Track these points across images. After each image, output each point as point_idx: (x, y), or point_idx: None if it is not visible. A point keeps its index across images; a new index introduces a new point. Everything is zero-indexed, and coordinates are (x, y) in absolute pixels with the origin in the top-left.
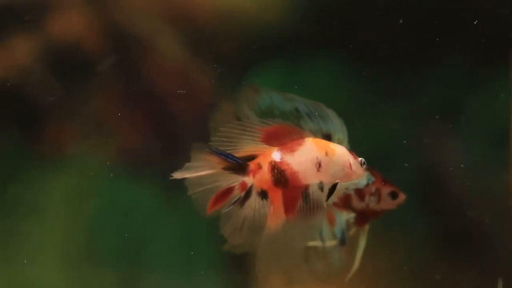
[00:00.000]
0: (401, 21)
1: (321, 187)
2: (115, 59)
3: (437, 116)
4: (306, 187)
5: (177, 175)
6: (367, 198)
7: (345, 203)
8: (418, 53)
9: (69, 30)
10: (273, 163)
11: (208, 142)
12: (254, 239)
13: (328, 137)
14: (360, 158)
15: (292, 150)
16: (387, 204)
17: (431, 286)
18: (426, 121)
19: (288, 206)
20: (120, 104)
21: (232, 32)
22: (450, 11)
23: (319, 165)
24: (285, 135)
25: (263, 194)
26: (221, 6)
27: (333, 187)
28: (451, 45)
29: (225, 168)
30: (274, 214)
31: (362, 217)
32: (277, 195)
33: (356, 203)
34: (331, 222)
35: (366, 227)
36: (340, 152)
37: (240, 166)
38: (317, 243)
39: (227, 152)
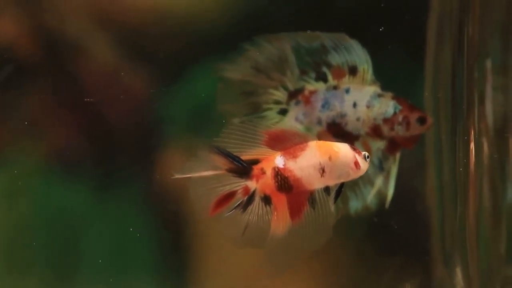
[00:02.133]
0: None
1: (327, 190)
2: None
3: None
4: (312, 192)
5: (179, 174)
6: (396, 127)
7: (375, 132)
8: None
9: (1, 34)
10: (276, 169)
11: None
12: (257, 244)
13: (354, 69)
14: (363, 153)
15: (295, 156)
16: (416, 129)
17: None
18: None
19: (294, 211)
20: (52, 106)
21: (166, 32)
22: None
23: (322, 171)
24: (288, 139)
25: (267, 200)
26: (153, 6)
27: (340, 189)
28: None
29: (229, 170)
30: (279, 219)
31: (393, 145)
32: (281, 200)
33: (386, 132)
34: (368, 151)
35: (398, 154)
36: (344, 153)
37: (244, 169)
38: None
39: (233, 154)
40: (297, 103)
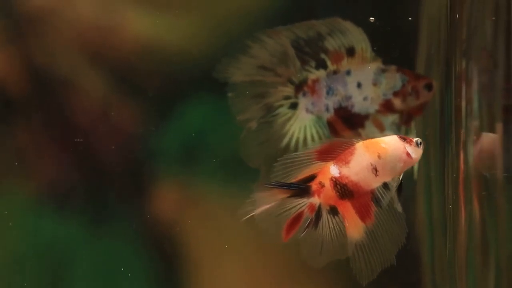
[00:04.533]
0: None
1: (386, 187)
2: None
3: None
4: (373, 192)
5: (244, 214)
6: (407, 98)
7: (388, 108)
8: None
9: None
10: (333, 179)
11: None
12: (337, 257)
13: (351, 50)
14: (414, 140)
15: (346, 162)
16: (425, 96)
17: None
18: None
19: (363, 214)
20: (43, 142)
21: (156, 67)
22: None
23: (375, 170)
24: (336, 148)
25: (333, 211)
26: (144, 40)
27: (400, 186)
28: None
29: (290, 196)
30: (351, 225)
31: (407, 116)
32: (347, 207)
33: (397, 105)
34: (381, 128)
35: (412, 124)
36: (393, 147)
37: (303, 189)
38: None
39: (285, 182)
40: (304, 94)
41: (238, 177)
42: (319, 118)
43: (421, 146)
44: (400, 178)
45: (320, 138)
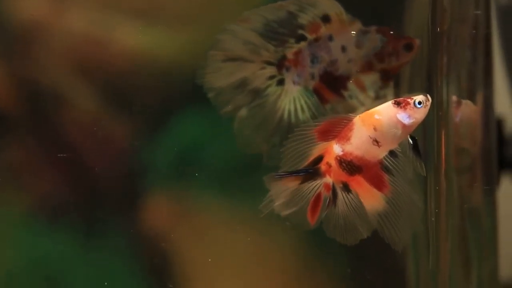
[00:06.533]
0: None
1: (392, 154)
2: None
3: None
4: (381, 162)
5: (265, 208)
6: (386, 59)
7: (368, 68)
8: None
9: None
10: (338, 158)
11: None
12: (364, 231)
13: (326, 17)
14: (414, 99)
15: (347, 139)
16: (405, 57)
17: None
18: None
19: (378, 184)
20: (35, 157)
21: (148, 80)
22: None
23: (376, 142)
24: (335, 126)
25: (346, 188)
26: (135, 54)
27: (414, 145)
28: None
29: (302, 182)
30: (369, 198)
31: (386, 75)
32: (360, 182)
33: (377, 65)
34: (362, 88)
35: (391, 82)
36: (386, 116)
37: (313, 173)
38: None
39: (293, 170)
40: (288, 69)
41: (231, 190)
42: (306, 87)
43: (424, 104)
44: (410, 140)
45: (309, 107)
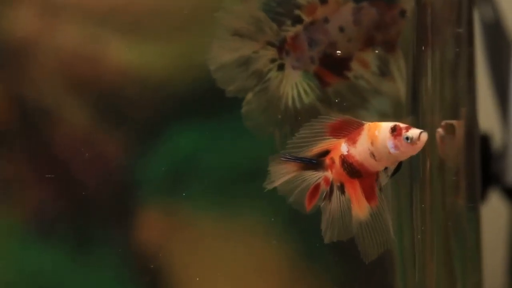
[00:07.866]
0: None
1: (386, 172)
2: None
3: None
4: (378, 175)
5: (268, 185)
6: (387, 29)
7: (370, 42)
8: None
9: None
10: (342, 157)
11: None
12: (340, 236)
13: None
14: (408, 132)
15: (354, 141)
16: (402, 23)
17: None
18: None
19: (369, 195)
20: (28, 168)
21: (141, 94)
22: None
23: (373, 155)
24: (347, 126)
25: (341, 189)
26: (127, 70)
27: (397, 169)
28: None
29: (304, 169)
30: (357, 206)
31: (388, 46)
32: (355, 187)
33: (379, 38)
34: (366, 65)
35: (395, 52)
36: (382, 136)
37: (315, 164)
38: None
39: (299, 156)
40: (287, 53)
41: (227, 201)
42: (306, 72)
43: (413, 141)
44: (399, 168)
45: (312, 89)
